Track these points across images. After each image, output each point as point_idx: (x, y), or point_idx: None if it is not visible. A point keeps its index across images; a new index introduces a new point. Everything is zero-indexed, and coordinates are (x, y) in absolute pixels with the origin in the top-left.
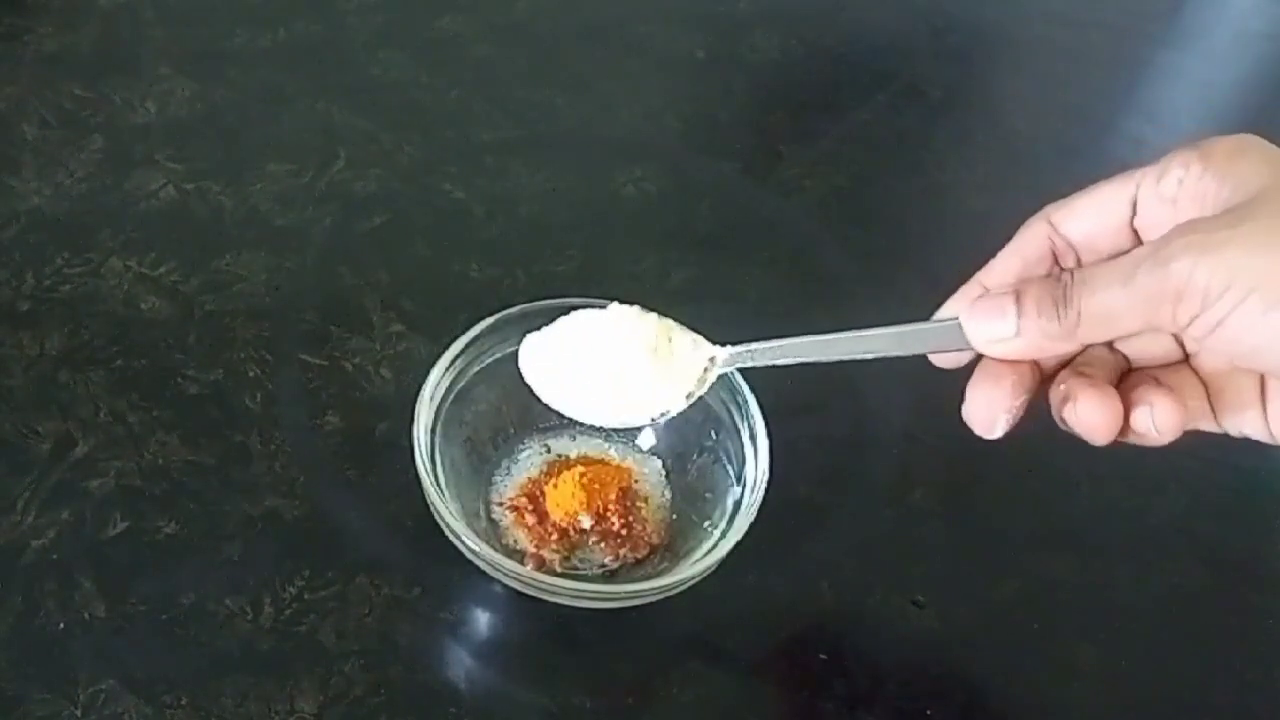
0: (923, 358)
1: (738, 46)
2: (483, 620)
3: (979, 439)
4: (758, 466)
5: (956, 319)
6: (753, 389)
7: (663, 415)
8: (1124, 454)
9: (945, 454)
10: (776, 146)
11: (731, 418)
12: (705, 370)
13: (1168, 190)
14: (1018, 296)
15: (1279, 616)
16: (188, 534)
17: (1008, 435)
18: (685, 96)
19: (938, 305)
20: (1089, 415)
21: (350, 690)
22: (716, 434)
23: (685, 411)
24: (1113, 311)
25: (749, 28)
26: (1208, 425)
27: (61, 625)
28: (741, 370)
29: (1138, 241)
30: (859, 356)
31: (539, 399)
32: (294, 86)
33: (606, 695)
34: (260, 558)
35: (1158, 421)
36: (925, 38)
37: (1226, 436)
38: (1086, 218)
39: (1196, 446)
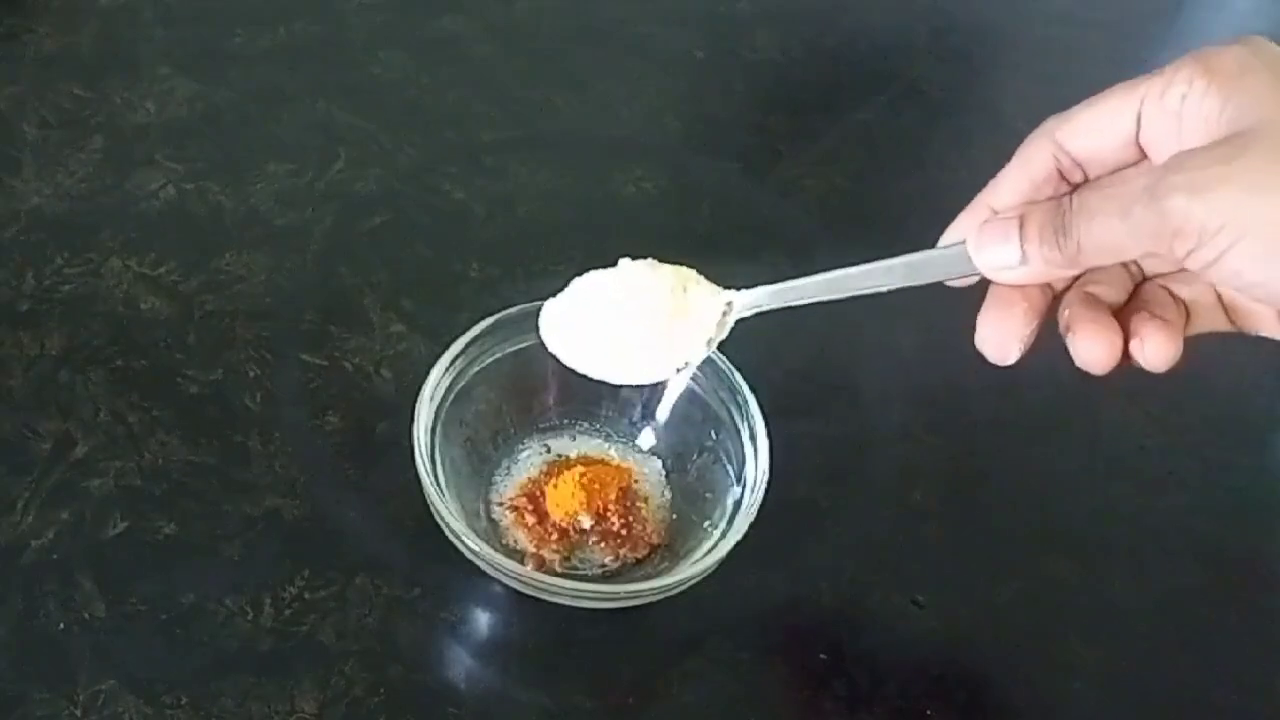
0: (923, 354)
1: (738, 46)
2: (483, 620)
3: (979, 439)
4: (758, 466)
5: (963, 243)
6: (753, 389)
7: (686, 365)
8: (1124, 454)
9: (945, 454)
10: (776, 146)
11: (731, 418)
12: (724, 315)
13: (1171, 105)
14: (1021, 224)
15: (1279, 616)
16: (188, 534)
17: (1008, 434)
18: (685, 96)
19: (938, 305)
20: (1086, 350)
21: (350, 690)
22: (716, 434)
23: (685, 411)
24: (1112, 243)
25: (749, 28)
26: (1223, 327)
27: (61, 625)
28: (742, 370)
29: (1143, 156)
30: (874, 289)
31: (565, 365)
32: (294, 86)
33: (606, 695)
34: (260, 558)
35: (1148, 355)
36: (925, 38)
37: (1228, 436)
38: (1091, 134)
39: (1196, 446)
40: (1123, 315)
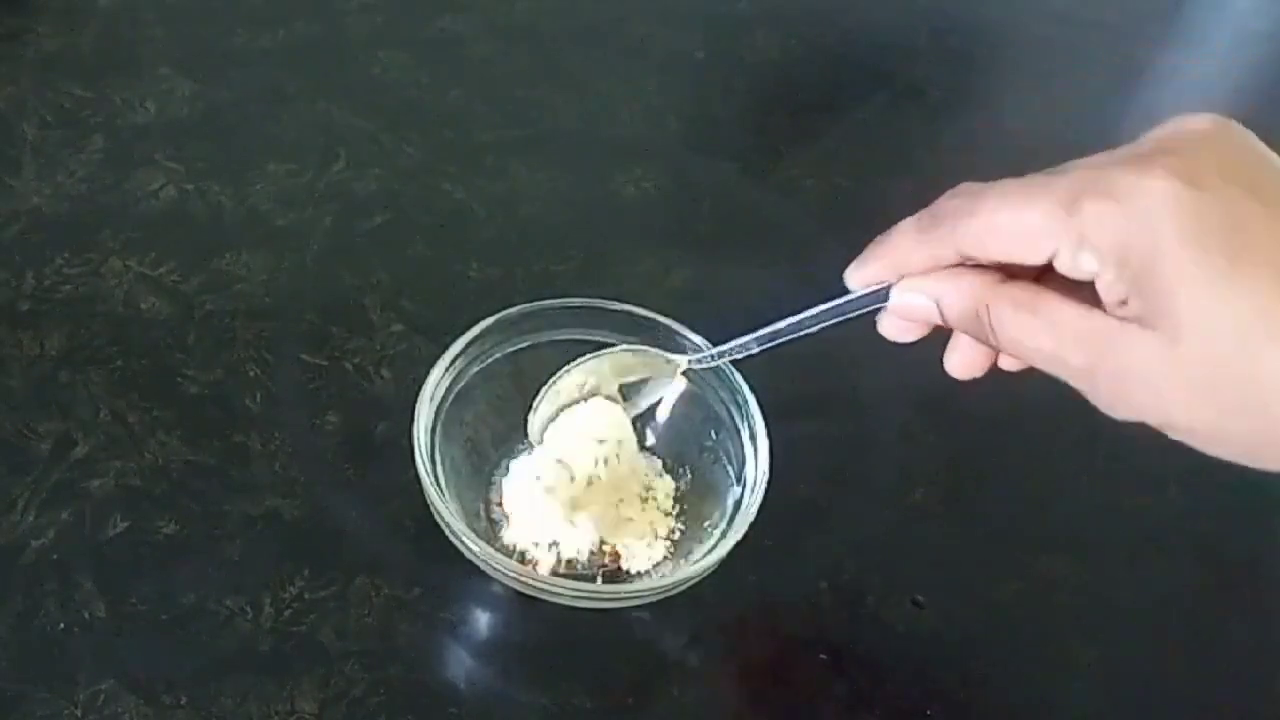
0: (923, 354)
1: (738, 46)
2: (483, 620)
3: (979, 439)
4: (758, 466)
5: (884, 289)
6: (753, 389)
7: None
8: (1124, 453)
9: (945, 454)
10: (776, 146)
11: (731, 418)
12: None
13: (1081, 272)
14: (940, 311)
15: (1279, 616)
16: (188, 534)
17: (1008, 434)
18: (685, 96)
19: None
20: (956, 365)
21: (350, 690)
22: (716, 434)
23: (685, 411)
24: (1033, 363)
25: (749, 28)
26: None
27: (61, 625)
28: (741, 369)
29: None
30: (805, 333)
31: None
32: (294, 86)
33: (606, 695)
34: (260, 558)
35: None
36: (925, 38)
37: None
38: (1000, 254)
39: None
40: None
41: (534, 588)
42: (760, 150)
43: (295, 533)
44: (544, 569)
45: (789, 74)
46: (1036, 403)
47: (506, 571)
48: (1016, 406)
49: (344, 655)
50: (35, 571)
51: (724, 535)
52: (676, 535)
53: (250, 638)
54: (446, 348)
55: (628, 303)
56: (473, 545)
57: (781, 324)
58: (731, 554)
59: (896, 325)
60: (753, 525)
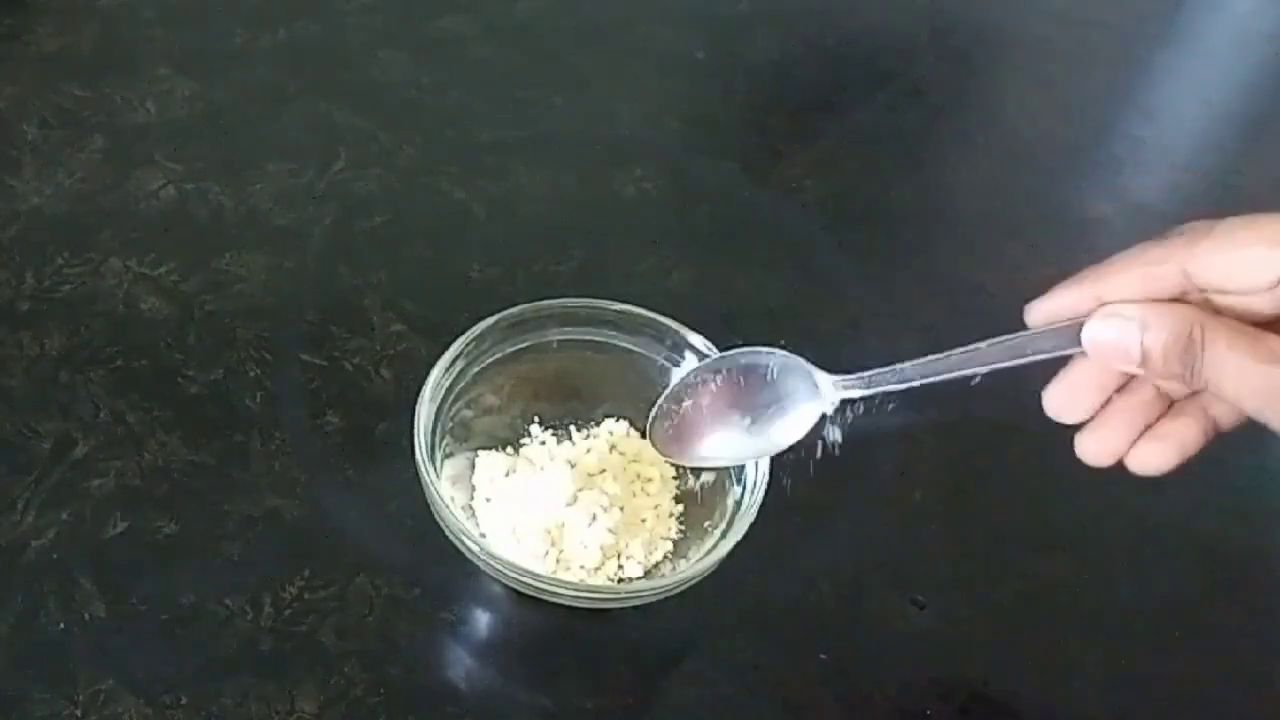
0: (923, 354)
1: (738, 46)
2: (483, 620)
3: (979, 439)
4: (758, 466)
5: (1069, 325)
6: None
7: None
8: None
9: (945, 454)
10: (776, 146)
11: None
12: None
13: None
14: (1143, 333)
15: (1279, 616)
16: (188, 534)
17: (1008, 434)
18: (685, 96)
19: (936, 306)
20: (1082, 447)
21: (350, 690)
22: None
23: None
24: (1238, 396)
25: (749, 28)
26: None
27: (61, 625)
28: None
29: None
30: (972, 371)
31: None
32: (294, 86)
33: (606, 695)
34: (260, 558)
35: (1137, 461)
36: (925, 38)
37: (1228, 436)
38: (1225, 277)
39: None
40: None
41: (534, 588)
42: (760, 150)
43: (295, 533)
44: (544, 569)
45: (789, 74)
46: (1036, 403)
47: (506, 571)
48: (1016, 406)
49: (344, 655)
50: (35, 571)
51: (724, 535)
52: (676, 535)
53: (250, 638)
54: (446, 348)
55: (628, 303)
56: (473, 545)
57: (950, 356)
58: (731, 554)
59: (1071, 391)
60: (753, 525)
